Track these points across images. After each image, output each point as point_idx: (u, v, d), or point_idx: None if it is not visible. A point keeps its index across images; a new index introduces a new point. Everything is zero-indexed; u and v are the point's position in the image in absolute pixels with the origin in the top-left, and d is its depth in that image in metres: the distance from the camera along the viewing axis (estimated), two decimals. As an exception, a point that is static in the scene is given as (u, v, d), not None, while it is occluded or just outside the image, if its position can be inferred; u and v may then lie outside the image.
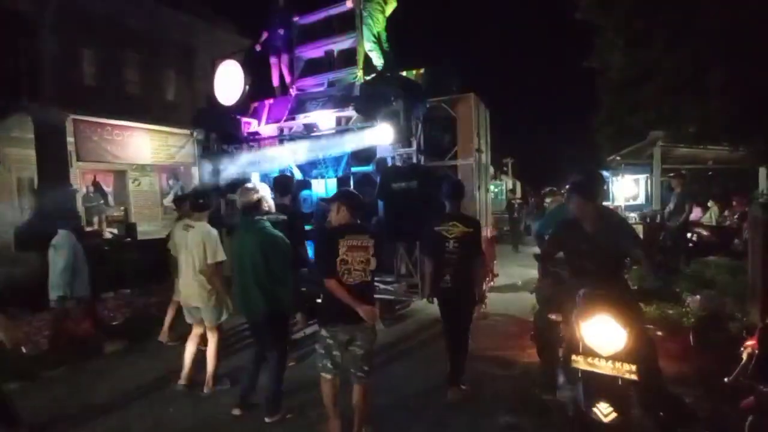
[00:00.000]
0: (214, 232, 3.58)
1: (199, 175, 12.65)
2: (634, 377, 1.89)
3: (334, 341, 2.70)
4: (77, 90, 10.26)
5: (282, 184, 4.32)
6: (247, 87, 7.49)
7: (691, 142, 7.60)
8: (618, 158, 9.76)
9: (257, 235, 3.12)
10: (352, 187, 5.47)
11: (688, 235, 7.92)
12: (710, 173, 11.30)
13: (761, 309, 4.08)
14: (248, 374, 3.30)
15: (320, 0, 6.35)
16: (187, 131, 12.55)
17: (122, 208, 12.58)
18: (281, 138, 6.38)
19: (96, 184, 11.72)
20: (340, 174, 6.00)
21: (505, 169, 23.12)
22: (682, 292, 5.16)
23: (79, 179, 11.28)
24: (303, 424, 3.12)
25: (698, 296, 4.80)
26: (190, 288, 3.57)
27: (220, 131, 6.56)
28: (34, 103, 9.35)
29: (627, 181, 10.54)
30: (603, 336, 1.97)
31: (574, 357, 2.01)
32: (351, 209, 2.75)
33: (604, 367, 1.95)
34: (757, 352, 2.09)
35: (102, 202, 11.40)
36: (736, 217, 9.46)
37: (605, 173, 11.65)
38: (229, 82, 7.80)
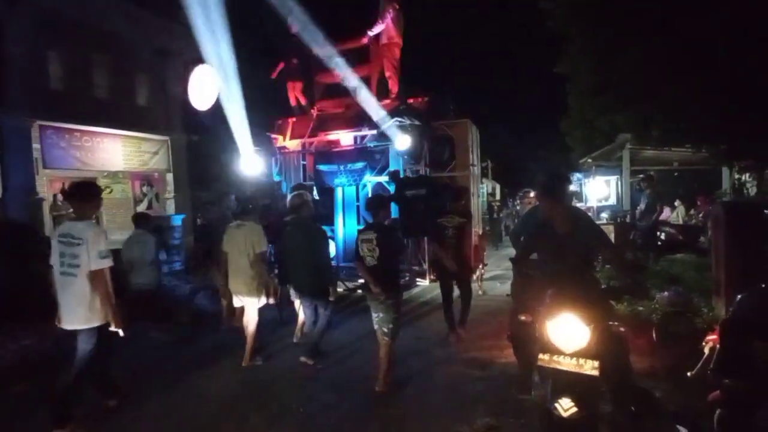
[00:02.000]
0: (259, 227, 4.32)
1: (174, 180, 12.42)
2: (595, 373, 1.94)
3: (370, 304, 3.75)
4: (44, 94, 9.86)
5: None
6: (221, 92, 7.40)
7: (656, 144, 7.91)
8: (589, 160, 10.07)
9: (304, 229, 4.22)
10: (370, 193, 6.92)
11: (657, 233, 8.21)
12: (676, 174, 11.78)
13: (726, 304, 4.26)
14: (309, 330, 4.37)
15: (338, 34, 7.52)
16: (161, 137, 12.24)
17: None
18: (304, 152, 7.61)
19: (64, 192, 11.28)
20: (358, 182, 7.08)
21: (485, 172, 23.46)
22: (651, 288, 5.34)
23: (47, 187, 10.84)
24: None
25: (666, 293, 4.97)
26: (237, 276, 4.24)
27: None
28: (-4, 109, 8.96)
29: (598, 183, 10.86)
30: (566, 333, 2.03)
31: (540, 355, 2.06)
32: (377, 211, 3.92)
33: (568, 364, 2.00)
34: (718, 346, 2.19)
35: (71, 210, 10.99)
36: (701, 215, 9.88)
37: (578, 175, 11.94)
38: (203, 86, 7.68)
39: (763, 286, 2.17)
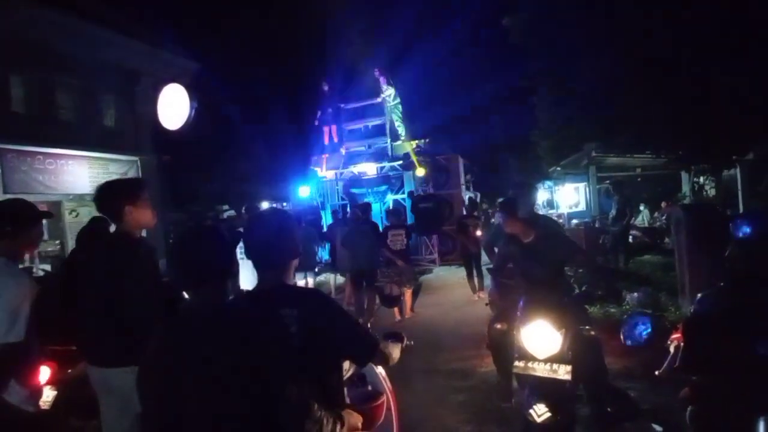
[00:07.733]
0: (369, 227, 6.61)
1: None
2: (568, 377, 1.99)
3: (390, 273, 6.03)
4: (3, 117, 9.50)
5: (364, 207, 7.29)
6: (194, 111, 7.31)
7: (620, 151, 8.28)
8: (558, 169, 10.41)
9: (370, 228, 6.12)
10: (392, 207, 9.59)
11: (628, 237, 8.50)
12: (639, 179, 12.29)
13: (691, 302, 4.44)
14: (359, 303, 6.02)
15: (360, 91, 10.64)
16: (130, 157, 11.93)
17: (57, 242, 11.62)
18: (338, 180, 10.21)
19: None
20: (382, 200, 9.79)
21: (468, 185, 24.05)
22: (622, 290, 5.52)
23: (7, 213, 10.37)
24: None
25: (636, 294, 5.16)
26: (360, 258, 6.15)
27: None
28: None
29: (568, 190, 11.20)
30: (539, 340, 2.09)
31: (516, 362, 2.10)
32: (393, 217, 6.48)
33: (541, 370, 2.05)
34: (682, 344, 2.27)
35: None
36: (664, 218, 10.33)
37: (548, 183, 12.29)
38: (174, 106, 7.56)
39: (722, 284, 2.28)
